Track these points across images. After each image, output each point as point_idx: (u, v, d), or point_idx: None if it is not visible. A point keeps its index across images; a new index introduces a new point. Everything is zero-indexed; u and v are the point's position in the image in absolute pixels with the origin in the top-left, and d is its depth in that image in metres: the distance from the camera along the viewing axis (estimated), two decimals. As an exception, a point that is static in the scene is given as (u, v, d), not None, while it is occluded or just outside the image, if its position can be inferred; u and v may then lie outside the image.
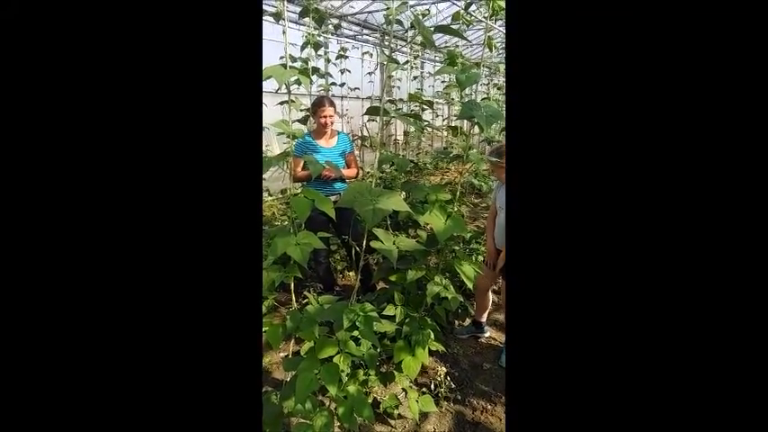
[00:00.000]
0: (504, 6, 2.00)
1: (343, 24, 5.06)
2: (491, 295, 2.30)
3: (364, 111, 1.57)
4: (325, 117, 2.21)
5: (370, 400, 1.73)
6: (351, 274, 2.99)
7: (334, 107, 2.26)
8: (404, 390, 1.81)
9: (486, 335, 2.33)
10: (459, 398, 1.86)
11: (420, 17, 3.51)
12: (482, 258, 2.47)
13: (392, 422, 1.71)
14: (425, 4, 4.28)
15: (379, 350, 1.72)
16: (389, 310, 1.90)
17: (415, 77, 5.46)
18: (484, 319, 2.33)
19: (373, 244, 1.50)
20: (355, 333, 1.43)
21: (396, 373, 1.84)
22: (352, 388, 1.44)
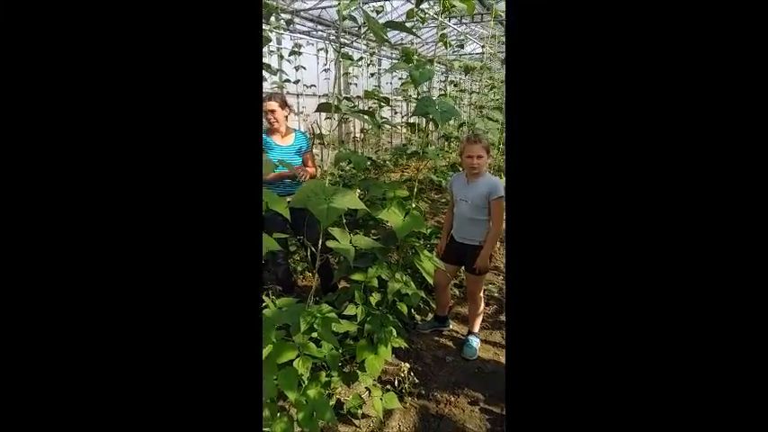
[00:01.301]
0: (455, 4, 2.02)
1: (296, 20, 4.95)
2: (452, 289, 2.33)
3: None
4: (267, 113, 2.14)
5: (333, 402, 1.71)
6: (311, 274, 2.94)
7: (282, 103, 2.19)
8: (367, 389, 1.80)
9: (449, 328, 2.36)
10: (423, 392, 1.88)
11: (372, 14, 3.49)
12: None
13: (356, 422, 1.70)
14: (378, 0, 4.27)
15: (341, 350, 1.69)
16: (350, 310, 1.88)
17: (372, 74, 5.44)
18: (446, 313, 2.36)
19: (329, 243, 1.47)
20: (314, 335, 1.40)
21: (359, 372, 1.82)
22: (312, 391, 1.41)
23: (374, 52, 5.98)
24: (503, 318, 2.52)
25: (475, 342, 2.17)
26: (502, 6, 4.76)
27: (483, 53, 4.47)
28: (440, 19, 2.22)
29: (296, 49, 4.34)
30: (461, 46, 5.30)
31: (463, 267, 2.16)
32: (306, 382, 1.44)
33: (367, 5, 4.08)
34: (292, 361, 1.36)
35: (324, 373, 1.72)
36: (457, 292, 2.74)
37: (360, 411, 1.71)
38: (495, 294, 2.81)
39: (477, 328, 2.22)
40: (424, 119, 2.29)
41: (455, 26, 5.08)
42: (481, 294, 2.19)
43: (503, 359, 2.12)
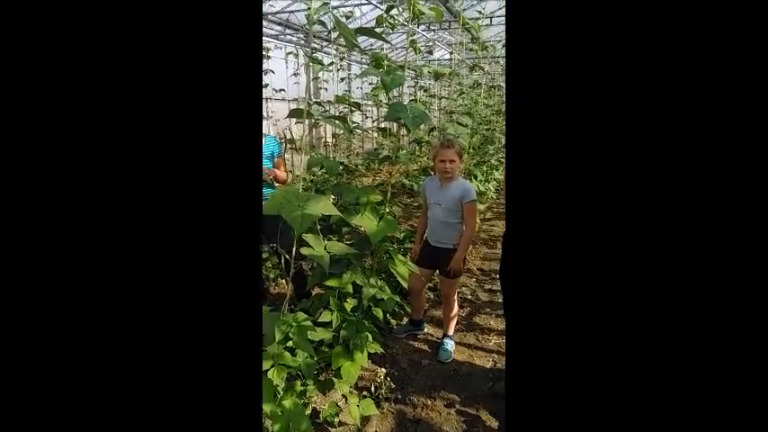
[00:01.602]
0: (423, 11, 2.05)
1: (264, 23, 4.89)
2: (426, 293, 2.35)
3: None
4: None
5: (308, 411, 1.67)
6: (284, 281, 2.89)
7: None
8: (344, 396, 1.78)
9: (424, 331, 2.37)
10: (400, 397, 1.87)
11: (342, 19, 3.49)
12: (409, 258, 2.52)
13: (333, 430, 1.67)
14: (348, 6, 4.28)
15: (316, 358, 1.67)
16: (325, 316, 1.86)
17: (342, 79, 5.43)
18: (421, 317, 2.37)
19: (303, 250, 1.45)
20: (289, 344, 1.38)
21: (335, 380, 1.80)
22: (288, 402, 1.38)
23: (344, 57, 5.97)
24: (477, 320, 2.56)
25: (450, 345, 2.18)
26: (469, 14, 4.87)
27: (451, 59, 4.55)
28: (409, 25, 2.25)
29: (264, 53, 4.27)
30: (430, 52, 5.38)
31: (437, 271, 2.18)
32: (281, 392, 1.41)
33: (336, 10, 4.08)
34: (267, 371, 1.32)
35: (299, 383, 1.68)
36: (431, 296, 2.75)
37: (336, 420, 1.69)
38: (469, 297, 2.84)
39: (451, 331, 2.24)
40: (395, 123, 2.30)
41: (424, 32, 5.15)
42: (455, 297, 2.22)
43: (477, 361, 2.15)
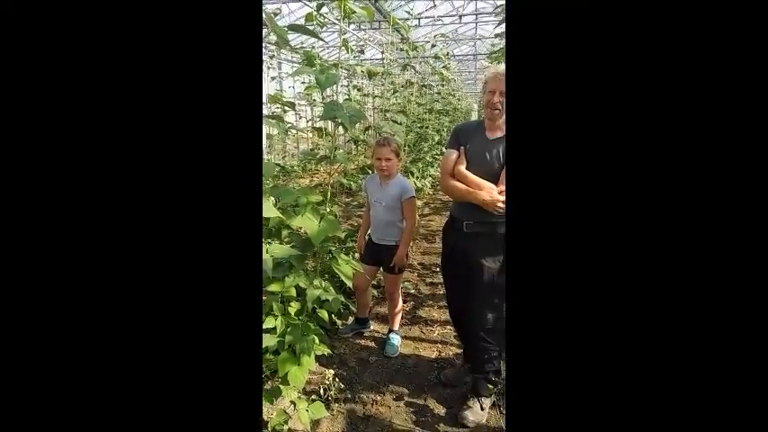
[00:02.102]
0: (355, 10, 2.05)
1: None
2: (371, 290, 2.36)
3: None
4: None
5: (256, 422, 1.61)
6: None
7: None
8: (292, 402, 1.74)
9: (370, 329, 2.39)
10: (350, 396, 1.87)
11: (272, 15, 3.39)
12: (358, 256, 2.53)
13: (283, 439, 1.63)
14: (275, 2, 4.16)
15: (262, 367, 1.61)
16: (269, 322, 1.80)
17: (273, 78, 5.28)
18: (367, 315, 2.38)
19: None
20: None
21: (282, 387, 1.75)
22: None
23: (273, 55, 5.80)
24: (420, 313, 2.63)
25: (396, 339, 2.22)
26: (398, 14, 4.97)
27: (383, 59, 4.62)
28: (341, 24, 2.24)
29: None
30: (362, 51, 5.41)
31: (381, 268, 2.21)
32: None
33: (264, 6, 3.95)
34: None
35: (244, 394, 1.62)
36: (375, 293, 2.78)
37: (286, 427, 1.65)
38: (412, 291, 2.91)
39: (397, 326, 2.28)
40: (331, 123, 2.29)
41: (354, 32, 5.16)
42: (399, 292, 2.26)
43: (423, 352, 2.21)
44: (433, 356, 2.17)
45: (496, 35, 3.84)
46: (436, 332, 2.41)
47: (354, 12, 2.09)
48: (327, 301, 1.92)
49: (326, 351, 1.91)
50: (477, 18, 6.09)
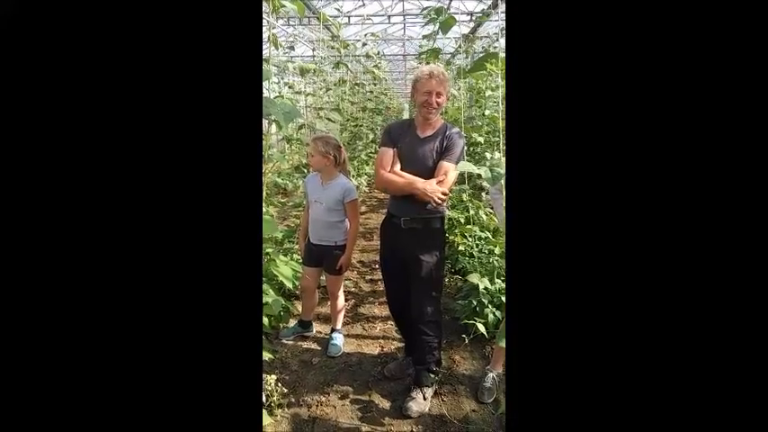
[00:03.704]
0: (284, 4, 2.00)
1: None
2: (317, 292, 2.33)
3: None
4: None
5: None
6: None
7: None
8: (233, 412, 1.66)
9: (314, 331, 2.35)
10: (294, 400, 1.83)
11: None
12: (298, 258, 2.47)
13: (224, 452, 1.56)
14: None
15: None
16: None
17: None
18: (310, 317, 2.34)
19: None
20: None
21: (221, 397, 1.67)
22: None
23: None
24: (362, 310, 2.64)
25: (339, 339, 2.21)
26: (328, 12, 4.92)
27: (314, 56, 4.55)
28: (269, 18, 2.17)
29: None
30: (292, 48, 5.28)
31: (324, 268, 2.18)
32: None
33: None
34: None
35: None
36: (318, 294, 2.74)
37: (227, 439, 1.57)
38: (353, 289, 2.92)
39: (339, 324, 2.27)
40: (264, 121, 2.21)
41: (283, 27, 5.03)
42: (341, 291, 2.25)
43: (366, 349, 2.23)
44: (376, 352, 2.20)
45: (424, 36, 3.96)
46: (378, 328, 2.43)
47: (284, 5, 2.03)
48: (267, 303, 1.86)
49: (268, 356, 1.85)
50: (404, 19, 6.23)
